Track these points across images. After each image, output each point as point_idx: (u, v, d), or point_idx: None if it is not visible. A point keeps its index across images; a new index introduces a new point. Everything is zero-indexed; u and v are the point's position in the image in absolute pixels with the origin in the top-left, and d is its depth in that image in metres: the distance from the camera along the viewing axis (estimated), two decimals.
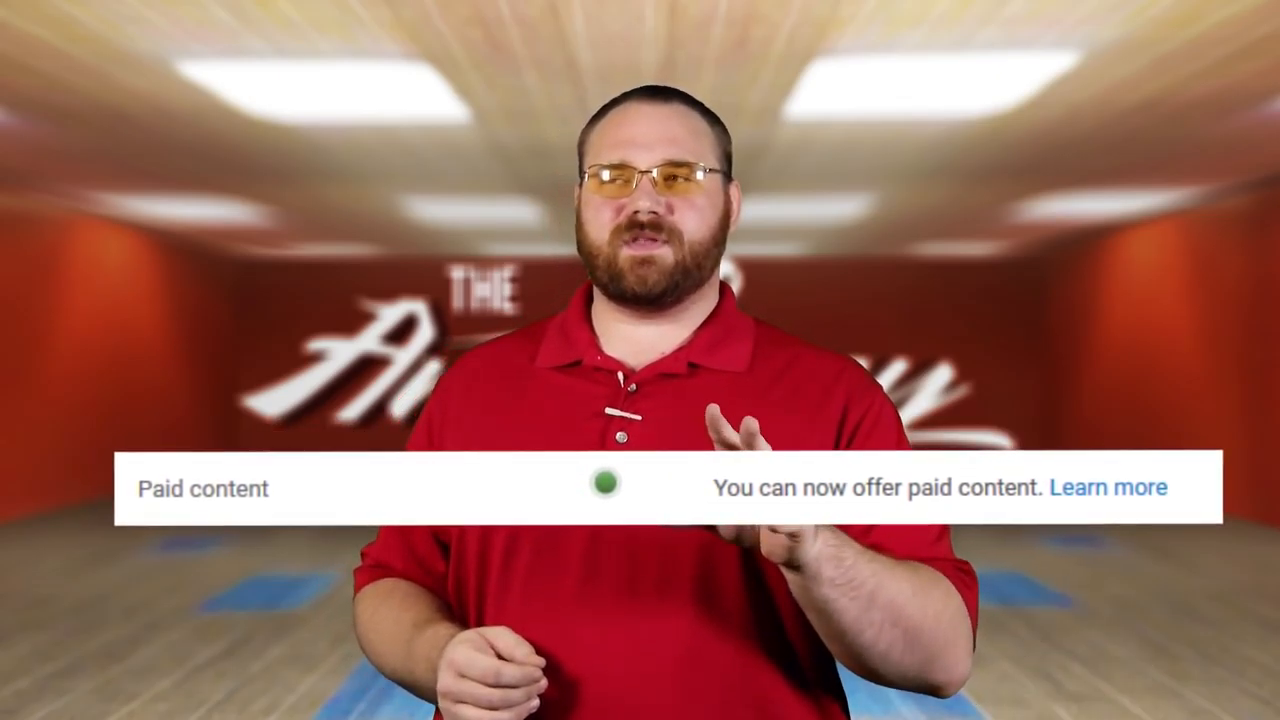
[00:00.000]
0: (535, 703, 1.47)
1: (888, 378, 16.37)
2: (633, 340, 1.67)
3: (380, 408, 16.77)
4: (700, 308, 1.69)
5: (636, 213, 1.60)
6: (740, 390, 1.64)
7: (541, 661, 1.47)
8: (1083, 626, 6.84)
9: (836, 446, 1.62)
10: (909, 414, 16.40)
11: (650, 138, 1.62)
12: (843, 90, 7.27)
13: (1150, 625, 6.88)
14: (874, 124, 8.31)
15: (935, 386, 16.63)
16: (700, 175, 1.63)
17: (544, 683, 1.47)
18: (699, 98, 1.74)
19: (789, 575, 1.43)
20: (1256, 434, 11.03)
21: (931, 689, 1.58)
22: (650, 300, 1.63)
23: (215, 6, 5.68)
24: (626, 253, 1.61)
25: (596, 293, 1.71)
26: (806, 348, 1.71)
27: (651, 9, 5.76)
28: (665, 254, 1.61)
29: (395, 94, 7.38)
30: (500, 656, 1.47)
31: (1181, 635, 6.63)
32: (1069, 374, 15.99)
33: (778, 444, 1.42)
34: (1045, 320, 16.85)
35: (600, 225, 1.63)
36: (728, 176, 1.69)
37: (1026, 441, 16.52)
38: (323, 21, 5.93)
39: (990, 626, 6.82)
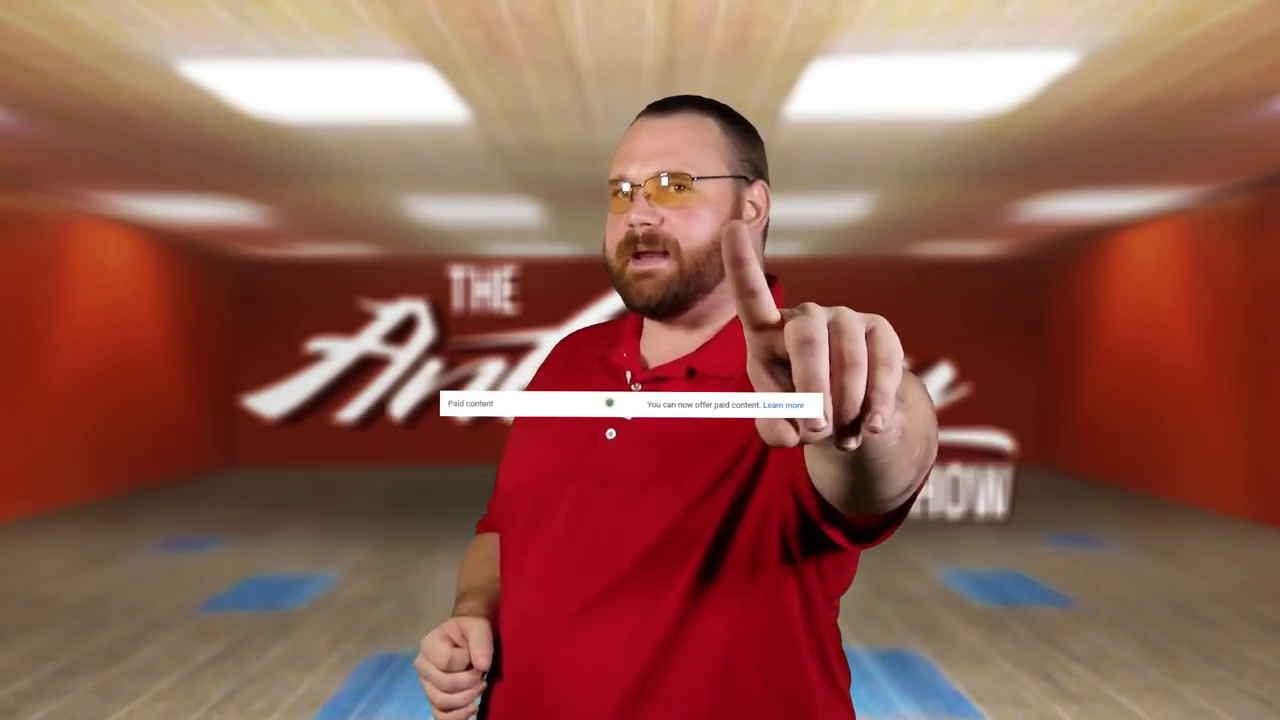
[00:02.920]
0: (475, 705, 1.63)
1: None
2: (658, 343, 1.73)
3: (380, 408, 16.77)
4: (725, 312, 1.69)
5: (631, 226, 1.64)
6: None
7: (479, 669, 1.61)
8: (1083, 626, 6.84)
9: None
10: None
11: (647, 152, 1.66)
12: (843, 90, 7.27)
13: (1150, 625, 6.87)
14: (874, 124, 8.31)
15: (935, 386, 16.62)
16: (696, 183, 1.64)
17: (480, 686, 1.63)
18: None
19: None
20: (1256, 434, 11.02)
21: (912, 499, 1.37)
22: (652, 312, 1.67)
23: (215, 6, 5.68)
24: (631, 267, 1.66)
25: None
26: None
27: (651, 9, 5.76)
28: (663, 267, 1.64)
29: (395, 94, 7.38)
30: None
31: (1181, 635, 6.63)
32: (1069, 374, 15.98)
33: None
34: (1045, 320, 16.85)
35: (612, 243, 1.68)
36: (746, 179, 1.68)
37: (1026, 441, 16.52)
38: (323, 21, 5.93)
39: (990, 626, 6.82)
